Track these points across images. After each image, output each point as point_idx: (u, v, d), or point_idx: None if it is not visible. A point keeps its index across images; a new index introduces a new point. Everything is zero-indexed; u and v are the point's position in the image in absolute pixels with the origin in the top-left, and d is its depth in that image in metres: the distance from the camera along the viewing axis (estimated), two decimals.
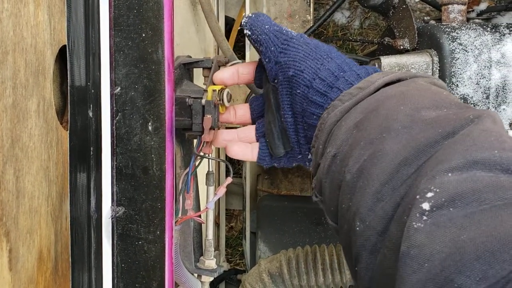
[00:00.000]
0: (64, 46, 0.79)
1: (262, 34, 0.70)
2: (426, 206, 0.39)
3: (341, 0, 1.71)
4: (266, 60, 0.70)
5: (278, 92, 0.70)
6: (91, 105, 0.92)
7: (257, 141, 0.84)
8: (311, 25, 1.71)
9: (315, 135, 0.61)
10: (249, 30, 0.72)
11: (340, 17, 2.11)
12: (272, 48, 0.68)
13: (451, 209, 0.38)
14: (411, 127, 0.47)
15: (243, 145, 0.84)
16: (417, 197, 0.41)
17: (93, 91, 0.92)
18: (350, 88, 0.58)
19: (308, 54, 0.63)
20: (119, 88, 0.96)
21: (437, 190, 0.40)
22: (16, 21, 0.60)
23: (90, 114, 0.92)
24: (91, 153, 0.91)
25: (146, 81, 0.96)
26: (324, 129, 0.58)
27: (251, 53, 1.61)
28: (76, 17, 0.87)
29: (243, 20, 0.75)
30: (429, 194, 0.40)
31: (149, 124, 0.98)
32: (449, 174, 0.40)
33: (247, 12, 1.57)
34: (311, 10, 1.73)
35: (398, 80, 0.57)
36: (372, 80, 0.57)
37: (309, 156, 0.72)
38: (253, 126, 0.86)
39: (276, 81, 0.70)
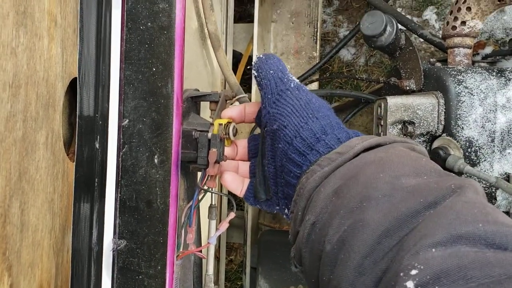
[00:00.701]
0: (75, 78, 0.80)
1: (265, 79, 0.71)
2: (410, 284, 0.38)
3: (348, 38, 1.74)
4: (263, 105, 0.71)
5: (266, 140, 0.71)
6: (98, 137, 0.92)
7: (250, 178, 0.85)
8: (317, 61, 1.73)
9: (294, 200, 0.61)
10: (256, 71, 0.74)
11: (346, 54, 2.14)
12: (269, 96, 0.69)
13: (436, 287, 0.37)
14: (391, 195, 0.46)
15: (237, 178, 0.85)
16: (401, 274, 0.39)
17: (100, 122, 0.93)
18: (330, 153, 0.57)
19: (296, 110, 0.64)
20: (127, 121, 0.97)
21: (421, 267, 0.38)
22: (31, 55, 0.61)
23: (97, 145, 0.92)
24: (96, 184, 0.91)
25: (155, 114, 0.97)
26: (303, 195, 0.57)
27: (257, 88, 1.62)
28: (88, 50, 0.88)
29: (253, 60, 0.77)
30: (413, 272, 0.38)
31: (155, 157, 0.98)
32: (433, 250, 0.39)
33: (255, 47, 1.59)
34: (318, 46, 1.76)
35: (378, 145, 0.56)
36: (351, 145, 0.56)
37: (286, 211, 0.72)
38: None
39: (265, 129, 0.71)
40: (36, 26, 0.63)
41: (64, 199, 0.74)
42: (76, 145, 0.79)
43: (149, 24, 0.96)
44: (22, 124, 0.57)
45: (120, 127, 0.97)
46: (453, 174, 0.51)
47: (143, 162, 0.98)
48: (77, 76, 0.80)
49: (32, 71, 0.61)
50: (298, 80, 0.71)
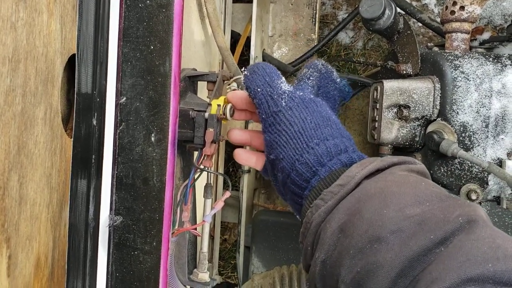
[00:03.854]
0: (74, 55, 0.80)
1: (256, 98, 0.70)
2: None
3: (346, 21, 1.73)
4: (260, 121, 0.71)
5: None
6: (95, 114, 0.92)
7: None
8: (315, 44, 1.73)
9: (302, 232, 0.61)
10: (246, 89, 0.73)
11: (344, 37, 2.13)
12: (264, 117, 0.68)
13: None
14: (399, 230, 0.47)
15: (250, 153, 0.84)
16: None
17: (98, 99, 0.93)
18: (331, 186, 0.57)
19: (290, 139, 0.63)
20: (124, 98, 0.97)
21: None
22: (30, 30, 0.61)
23: (94, 122, 0.92)
24: (93, 161, 0.92)
25: (152, 92, 0.97)
26: (310, 230, 0.58)
27: None
28: (87, 27, 0.88)
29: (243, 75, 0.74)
30: None
31: (152, 135, 0.98)
32: None
33: (253, 28, 1.59)
34: (316, 29, 1.75)
35: (377, 170, 0.57)
36: (351, 174, 0.56)
37: (293, 204, 0.71)
38: None
39: (265, 153, 0.71)
40: (36, 1, 0.63)
41: (61, 174, 0.75)
42: (74, 122, 0.80)
43: (148, 1, 0.96)
44: (21, 99, 0.58)
45: (117, 104, 0.97)
46: (453, 196, 0.52)
47: (140, 140, 0.99)
48: (76, 52, 0.80)
49: (32, 46, 0.61)
50: (288, 87, 0.68)
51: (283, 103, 0.66)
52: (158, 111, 0.99)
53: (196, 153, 1.14)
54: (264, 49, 1.73)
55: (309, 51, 1.69)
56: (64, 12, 0.76)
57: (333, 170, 0.59)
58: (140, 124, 0.99)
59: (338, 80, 0.77)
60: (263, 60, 1.72)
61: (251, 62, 1.60)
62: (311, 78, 0.74)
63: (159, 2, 0.96)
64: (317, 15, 1.76)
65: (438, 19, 1.31)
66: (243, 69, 0.82)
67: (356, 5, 1.71)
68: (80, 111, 0.85)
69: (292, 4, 1.76)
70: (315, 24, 1.74)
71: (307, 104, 0.65)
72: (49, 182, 0.69)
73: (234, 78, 1.33)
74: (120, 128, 0.98)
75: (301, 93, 0.67)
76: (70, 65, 0.81)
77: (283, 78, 0.69)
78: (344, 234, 0.52)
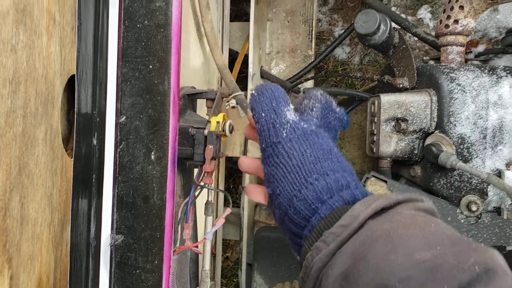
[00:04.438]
0: (73, 75, 0.81)
1: (258, 123, 0.66)
2: None
3: (342, 37, 1.75)
4: (260, 150, 0.67)
5: None
6: (95, 133, 0.93)
7: None
8: (312, 60, 1.74)
9: (301, 277, 0.57)
10: (251, 110, 0.69)
11: (341, 53, 2.15)
12: (263, 146, 0.64)
13: None
14: (409, 279, 0.43)
15: (259, 189, 0.77)
16: None
17: (98, 119, 0.94)
18: (333, 227, 0.53)
19: (288, 173, 0.59)
20: (124, 117, 0.98)
21: None
22: (30, 52, 0.62)
23: (94, 142, 0.93)
24: (93, 180, 0.92)
25: (151, 111, 0.98)
26: (310, 275, 0.53)
27: (252, 85, 1.63)
28: (86, 48, 0.89)
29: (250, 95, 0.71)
30: None
31: (152, 153, 0.99)
32: None
33: (251, 46, 1.61)
34: (313, 45, 1.77)
35: (382, 209, 0.53)
36: (355, 214, 0.52)
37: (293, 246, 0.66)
38: None
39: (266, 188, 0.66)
40: (35, 24, 0.64)
41: (62, 194, 0.75)
42: (74, 142, 0.80)
43: (146, 22, 0.98)
44: (22, 120, 0.58)
45: (117, 124, 0.98)
46: (466, 239, 0.48)
47: (140, 159, 0.99)
48: (75, 73, 0.81)
49: (32, 68, 0.62)
50: (293, 117, 0.64)
51: (284, 134, 0.62)
52: (158, 129, 1.00)
53: (196, 170, 1.15)
54: (262, 66, 1.75)
55: (307, 67, 1.71)
56: (64, 34, 0.78)
57: (334, 208, 0.55)
58: (140, 142, 1.00)
59: (338, 109, 0.73)
60: (261, 77, 1.73)
61: (249, 79, 1.62)
62: (314, 109, 0.70)
63: (157, 23, 0.98)
64: (313, 32, 1.78)
65: (433, 33, 1.33)
66: (251, 88, 0.81)
67: (352, 21, 1.73)
68: (80, 131, 0.86)
69: (288, 22, 1.78)
70: (311, 41, 1.76)
71: (308, 136, 0.62)
72: (50, 202, 0.70)
73: (233, 95, 1.34)
74: (120, 147, 0.99)
75: (305, 125, 0.63)
76: (70, 85, 0.82)
77: (291, 106, 0.66)
78: (348, 282, 0.48)
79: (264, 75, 1.72)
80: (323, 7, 2.23)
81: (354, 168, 1.78)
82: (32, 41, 0.63)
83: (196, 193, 1.15)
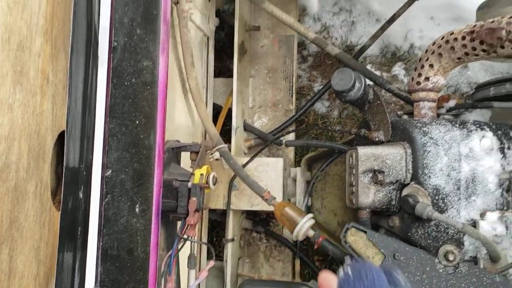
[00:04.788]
0: (63, 131, 0.84)
1: None
2: None
3: (321, 92, 1.84)
4: None
5: None
6: (82, 187, 0.95)
7: None
8: (293, 113, 1.81)
9: None
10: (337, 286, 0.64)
11: (320, 107, 2.24)
12: None
13: None
14: None
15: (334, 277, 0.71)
16: None
17: (85, 173, 0.97)
18: None
19: None
20: (110, 171, 1.01)
21: None
22: (25, 110, 0.66)
23: (81, 195, 0.95)
24: (79, 233, 0.93)
25: (137, 165, 1.01)
26: None
27: (236, 139, 1.68)
28: (75, 105, 0.93)
29: (339, 274, 0.66)
30: None
31: (137, 206, 1.01)
32: None
33: (234, 101, 1.67)
34: (293, 100, 1.85)
35: None
36: None
37: None
38: None
39: None
40: (31, 83, 0.68)
41: (49, 247, 0.76)
42: (62, 195, 0.83)
43: (133, 80, 1.03)
44: (14, 175, 0.61)
45: (103, 177, 1.01)
46: None
47: (124, 212, 1.01)
48: (65, 129, 0.85)
49: (26, 125, 0.65)
50: None
51: None
52: (143, 182, 1.02)
53: (179, 222, 1.16)
54: (245, 119, 1.80)
55: (288, 121, 1.77)
56: (56, 92, 0.82)
57: None
58: (125, 195, 1.02)
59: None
60: (244, 129, 1.78)
61: (233, 131, 1.67)
62: None
63: (144, 81, 1.03)
64: (293, 88, 1.86)
65: (407, 89, 1.40)
66: (346, 263, 0.72)
67: (330, 78, 1.82)
68: (68, 184, 0.88)
69: (270, 78, 1.87)
70: (292, 96, 1.84)
71: None
72: (37, 255, 0.71)
73: (217, 147, 1.38)
74: (106, 200, 1.01)
75: None
76: (60, 141, 0.85)
77: None
78: None
79: (247, 128, 1.77)
80: (303, 64, 2.33)
81: (336, 219, 1.80)
82: (28, 100, 0.67)
83: (179, 246, 1.16)
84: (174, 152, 1.26)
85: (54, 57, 0.80)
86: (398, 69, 2.24)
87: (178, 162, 1.30)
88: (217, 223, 2.03)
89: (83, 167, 0.97)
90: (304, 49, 2.34)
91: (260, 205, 1.59)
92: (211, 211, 1.81)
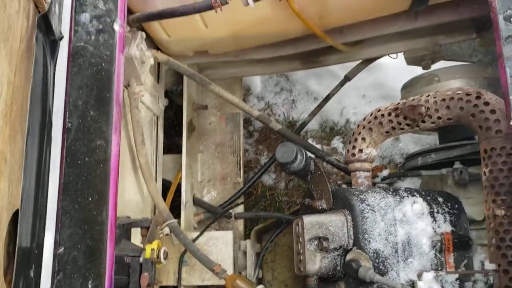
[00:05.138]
0: (17, 210, 0.87)
1: None
2: None
3: (268, 165, 1.93)
4: None
5: None
6: (33, 266, 0.96)
7: None
8: (242, 186, 1.89)
9: None
10: None
11: (268, 179, 2.34)
12: None
13: None
14: None
15: None
16: None
17: (36, 251, 0.97)
18: None
19: None
20: (62, 248, 1.02)
21: None
22: None
23: (31, 274, 0.95)
24: None
25: (89, 241, 1.03)
26: None
27: (185, 213, 1.72)
28: (30, 184, 0.96)
29: None
30: None
31: (89, 282, 1.02)
32: None
33: (184, 175, 1.73)
34: (241, 173, 1.93)
35: None
36: None
37: None
38: None
39: None
40: None
41: None
42: (14, 275, 0.83)
43: (87, 159, 1.07)
44: None
45: (55, 255, 1.01)
46: None
47: None
48: (19, 207, 0.87)
49: None
50: None
51: None
52: (95, 258, 1.04)
53: None
54: (194, 193, 1.85)
55: (237, 193, 1.84)
56: (12, 172, 0.85)
57: None
58: (77, 272, 1.03)
59: None
60: (194, 204, 1.83)
61: (182, 206, 1.71)
62: None
63: (97, 159, 1.07)
64: (241, 161, 1.95)
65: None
66: None
67: (275, 151, 1.93)
68: (19, 263, 0.89)
69: (218, 153, 1.95)
70: (240, 169, 1.92)
71: None
72: None
73: (167, 223, 1.41)
74: (58, 278, 1.01)
75: None
76: (15, 219, 0.87)
77: None
78: None
79: (197, 202, 1.82)
80: (249, 139, 2.45)
81: None
82: None
83: None
84: (124, 228, 1.29)
85: (12, 139, 0.84)
86: (337, 142, 2.41)
87: (129, 238, 1.32)
88: None
89: (35, 245, 0.98)
90: (250, 125, 2.47)
91: (211, 280, 1.61)
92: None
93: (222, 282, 1.55)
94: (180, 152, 1.80)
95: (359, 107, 2.48)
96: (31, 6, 0.95)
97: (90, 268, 1.02)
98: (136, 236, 1.38)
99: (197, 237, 1.62)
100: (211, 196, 1.91)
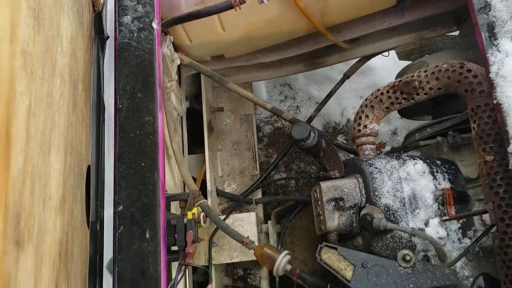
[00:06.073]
0: (89, 166, 1.06)
1: None
2: None
3: (283, 154, 2.13)
4: None
5: None
6: (98, 221, 1.14)
7: None
8: (259, 177, 2.08)
9: None
10: None
11: (278, 177, 2.53)
12: None
13: None
14: None
15: None
16: None
17: (100, 210, 1.16)
18: None
19: None
20: (121, 206, 1.20)
21: None
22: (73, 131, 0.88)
23: (97, 227, 1.14)
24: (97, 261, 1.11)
25: (145, 199, 1.22)
26: None
27: (211, 201, 1.90)
28: (93, 150, 1.16)
29: None
30: None
31: (147, 232, 1.20)
32: None
33: (208, 171, 1.92)
34: (258, 166, 2.12)
35: None
36: None
37: None
38: None
39: None
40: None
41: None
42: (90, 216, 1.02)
43: (138, 132, 1.27)
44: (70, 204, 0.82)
45: (115, 212, 1.20)
46: None
47: (136, 239, 1.19)
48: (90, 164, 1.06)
49: (76, 142, 0.88)
50: None
51: None
52: (150, 212, 1.22)
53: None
54: (217, 186, 2.04)
55: (255, 183, 2.03)
56: (87, 132, 1.05)
57: None
58: (136, 225, 1.21)
59: None
60: (217, 195, 2.01)
61: (208, 195, 1.89)
62: None
63: (146, 132, 1.27)
64: (256, 156, 2.14)
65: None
66: None
67: (283, 155, 2.13)
68: (94, 207, 1.07)
69: (235, 150, 2.15)
70: (256, 163, 2.11)
71: None
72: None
73: (198, 202, 1.59)
74: (119, 231, 1.20)
75: None
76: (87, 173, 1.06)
77: None
78: None
79: (220, 193, 2.00)
80: (260, 143, 2.65)
81: (307, 268, 2.00)
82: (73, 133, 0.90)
83: (180, 275, 1.32)
84: (166, 201, 1.47)
85: (85, 104, 1.05)
86: (340, 140, 2.61)
87: (169, 210, 1.50)
88: (198, 285, 2.14)
89: (99, 203, 1.17)
90: (259, 131, 2.67)
91: (239, 257, 1.77)
92: (194, 269, 1.95)
93: (248, 258, 1.72)
94: (202, 151, 2.00)
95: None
96: (90, 3, 1.17)
97: (146, 220, 1.20)
98: (174, 210, 1.55)
99: (224, 219, 1.79)
100: (231, 188, 2.09)
